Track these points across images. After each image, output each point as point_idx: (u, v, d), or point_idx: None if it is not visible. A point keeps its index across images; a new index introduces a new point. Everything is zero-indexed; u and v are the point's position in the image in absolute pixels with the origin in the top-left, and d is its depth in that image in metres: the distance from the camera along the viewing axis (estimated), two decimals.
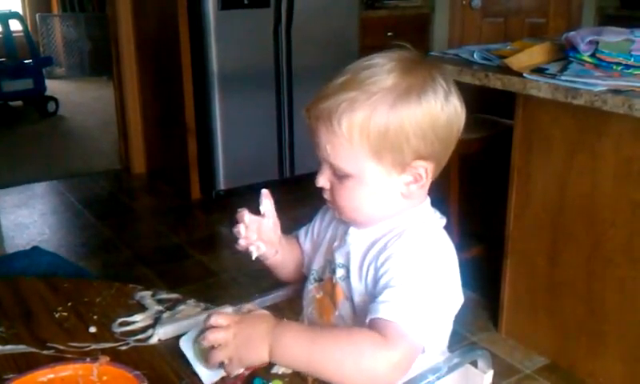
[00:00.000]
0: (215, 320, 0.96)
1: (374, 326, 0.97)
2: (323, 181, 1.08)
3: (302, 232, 1.29)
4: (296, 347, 0.96)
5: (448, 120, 1.04)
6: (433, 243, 1.06)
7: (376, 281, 1.03)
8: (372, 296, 1.03)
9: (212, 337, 0.95)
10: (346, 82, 1.03)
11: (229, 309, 1.18)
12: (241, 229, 1.17)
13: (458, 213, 2.71)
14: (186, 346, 1.04)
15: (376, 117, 1.00)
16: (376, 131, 1.00)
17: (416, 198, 1.08)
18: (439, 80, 1.04)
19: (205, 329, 0.97)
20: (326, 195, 1.10)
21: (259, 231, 1.18)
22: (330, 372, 0.95)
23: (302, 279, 1.26)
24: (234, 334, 0.96)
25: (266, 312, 1.00)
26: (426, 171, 1.05)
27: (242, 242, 1.17)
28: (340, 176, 1.05)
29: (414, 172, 1.04)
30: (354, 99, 1.00)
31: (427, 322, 0.98)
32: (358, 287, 1.08)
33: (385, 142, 1.01)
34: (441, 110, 1.03)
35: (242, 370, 0.98)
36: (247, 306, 1.02)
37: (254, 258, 1.17)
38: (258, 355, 0.96)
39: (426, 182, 1.06)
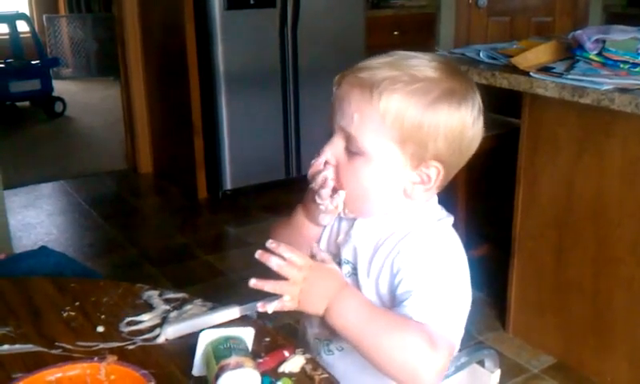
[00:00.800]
0: (291, 256, 0.95)
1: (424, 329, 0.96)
2: (329, 154, 1.05)
3: None
4: (352, 318, 0.96)
5: (473, 136, 1.05)
6: (447, 243, 1.06)
7: (393, 284, 1.03)
8: (388, 297, 1.03)
9: (286, 270, 0.94)
10: (391, 61, 1.02)
11: (235, 308, 1.19)
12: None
13: (465, 212, 2.71)
14: (203, 339, 1.03)
15: (415, 108, 0.99)
16: (411, 121, 0.99)
17: (416, 199, 1.06)
18: (477, 95, 1.05)
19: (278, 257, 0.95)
20: (329, 172, 1.05)
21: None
22: (376, 356, 0.96)
23: None
24: (303, 277, 0.95)
25: (337, 269, 0.99)
26: (437, 174, 1.04)
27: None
28: (352, 152, 1.03)
29: (424, 172, 1.03)
30: (396, 78, 0.99)
31: (459, 324, 1.00)
32: (367, 283, 1.07)
33: (415, 135, 1.00)
34: (472, 124, 1.03)
35: (292, 307, 0.96)
36: (323, 255, 1.01)
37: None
38: (315, 308, 0.96)
39: (432, 186, 1.05)
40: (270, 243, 0.95)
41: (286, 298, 0.96)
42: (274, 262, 0.95)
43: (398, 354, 0.94)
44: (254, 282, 0.94)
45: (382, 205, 1.06)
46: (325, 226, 1.15)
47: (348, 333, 0.97)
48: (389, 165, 1.03)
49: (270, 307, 0.95)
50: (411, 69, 1.01)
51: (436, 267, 1.01)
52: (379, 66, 1.01)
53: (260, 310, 0.97)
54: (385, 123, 1.00)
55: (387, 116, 0.99)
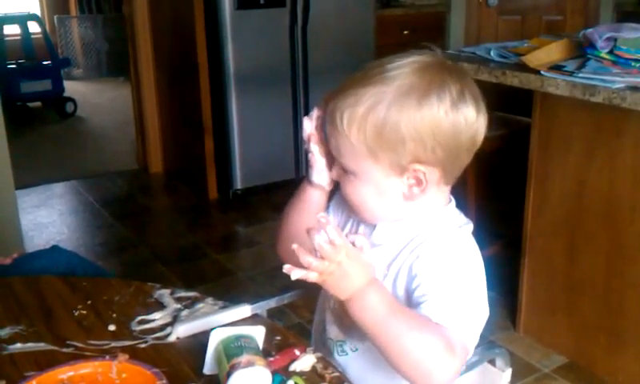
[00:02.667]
0: (334, 236, 0.91)
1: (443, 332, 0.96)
2: (335, 173, 1.11)
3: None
4: (371, 313, 0.95)
5: (454, 128, 1.00)
6: (466, 250, 1.05)
7: (410, 288, 1.02)
8: (405, 301, 1.03)
9: (325, 249, 0.91)
10: (356, 81, 1.03)
11: (247, 307, 1.19)
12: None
13: (476, 211, 2.70)
14: (214, 338, 1.03)
15: (374, 113, 0.99)
16: (372, 128, 0.99)
17: (418, 200, 1.05)
18: (449, 86, 1.00)
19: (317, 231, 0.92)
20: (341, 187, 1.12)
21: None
22: (392, 351, 0.95)
23: None
24: (339, 261, 0.92)
25: (370, 263, 0.97)
26: (425, 176, 1.02)
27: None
28: (345, 171, 1.07)
29: (414, 175, 1.03)
30: (359, 95, 1.00)
31: (475, 331, 1.00)
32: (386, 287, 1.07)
33: (380, 141, 1.00)
34: (445, 117, 0.99)
35: (317, 282, 0.94)
36: (361, 242, 0.97)
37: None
38: (338, 292, 0.95)
39: (426, 187, 1.03)
40: (320, 217, 0.92)
41: (312, 275, 0.93)
42: (317, 239, 0.91)
43: (415, 353, 0.94)
44: (287, 267, 0.93)
45: (384, 212, 1.08)
46: (328, 189, 1.16)
47: (366, 326, 0.96)
48: (374, 179, 1.04)
49: (295, 274, 0.93)
50: (373, 80, 1.00)
51: (454, 273, 1.00)
52: (344, 90, 1.03)
53: (285, 271, 0.93)
54: (352, 141, 1.02)
55: (351, 133, 1.01)
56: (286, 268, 0.92)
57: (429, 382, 0.94)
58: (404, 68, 1.01)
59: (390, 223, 1.09)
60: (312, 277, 0.93)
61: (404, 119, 0.98)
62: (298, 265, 0.92)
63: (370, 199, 1.06)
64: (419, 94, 0.99)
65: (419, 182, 1.03)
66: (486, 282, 1.05)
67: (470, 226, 1.09)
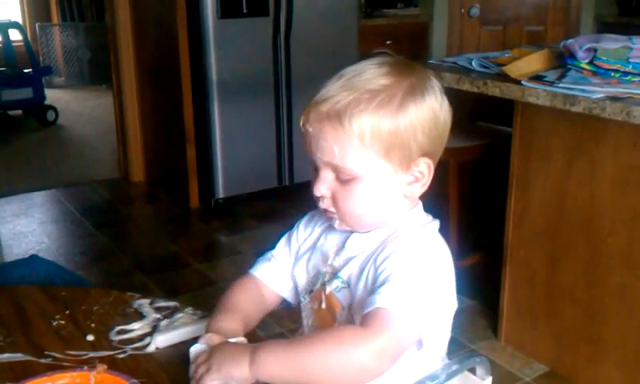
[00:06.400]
0: (194, 347, 1.01)
1: (362, 321, 0.97)
2: (323, 189, 1.06)
3: (280, 251, 1.23)
4: (279, 352, 0.96)
5: (445, 116, 1.07)
6: (429, 243, 1.07)
7: (374, 281, 1.03)
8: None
9: (196, 363, 0.98)
10: (344, 84, 1.03)
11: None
12: None
13: (457, 220, 2.71)
14: (193, 354, 1.03)
15: (386, 117, 1.01)
16: (387, 131, 1.01)
17: (417, 197, 1.09)
18: (433, 79, 1.08)
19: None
20: (325, 204, 1.07)
21: None
22: (318, 372, 0.94)
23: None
24: (210, 352, 0.99)
25: (237, 342, 1.04)
26: (429, 168, 1.06)
27: None
28: (344, 180, 1.04)
29: (416, 170, 1.06)
30: (358, 99, 1.01)
31: (419, 313, 0.98)
32: (360, 293, 1.06)
33: (396, 141, 1.02)
34: (440, 107, 1.06)
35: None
36: (211, 338, 1.04)
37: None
38: (238, 365, 0.95)
39: (427, 179, 1.07)
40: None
41: (203, 372, 0.97)
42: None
43: (336, 356, 0.93)
44: None
45: (385, 216, 1.08)
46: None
47: (283, 371, 0.95)
48: (381, 178, 1.04)
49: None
50: (366, 84, 1.02)
51: (410, 263, 1.01)
52: (336, 93, 1.02)
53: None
54: (364, 143, 1.01)
55: (364, 136, 1.01)
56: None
57: (359, 367, 0.93)
58: (390, 71, 1.04)
59: (364, 233, 1.09)
60: (206, 378, 0.96)
61: (414, 115, 1.03)
62: None
63: (371, 204, 1.05)
64: (421, 88, 1.04)
65: (418, 178, 1.06)
66: (452, 278, 1.07)
67: (436, 223, 1.11)
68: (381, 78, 1.03)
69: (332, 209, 1.07)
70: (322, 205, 1.08)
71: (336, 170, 1.04)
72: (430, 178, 1.08)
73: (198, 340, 1.06)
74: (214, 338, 1.04)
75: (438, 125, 1.06)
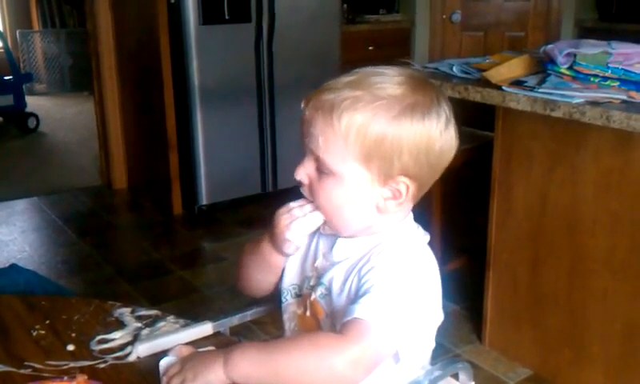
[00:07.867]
0: (164, 360, 1.01)
1: (340, 329, 0.97)
2: (303, 174, 1.06)
3: None
4: (253, 353, 0.96)
5: (442, 148, 1.03)
6: (415, 257, 1.06)
7: (357, 290, 1.02)
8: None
9: (167, 376, 0.99)
10: (354, 80, 1.02)
11: (208, 325, 1.17)
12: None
13: (441, 225, 2.72)
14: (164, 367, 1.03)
15: (376, 123, 0.99)
16: (373, 137, 0.99)
17: (391, 214, 1.06)
18: (444, 105, 1.04)
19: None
20: (304, 191, 1.08)
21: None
22: (292, 374, 0.94)
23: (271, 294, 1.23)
24: (181, 363, 0.99)
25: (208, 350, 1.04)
26: (407, 189, 1.04)
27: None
28: (322, 172, 1.04)
29: (394, 187, 1.03)
30: (358, 98, 1.00)
31: (398, 325, 0.97)
32: (340, 302, 1.06)
33: (378, 150, 1.00)
34: (439, 136, 1.02)
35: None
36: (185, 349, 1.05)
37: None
38: (213, 370, 0.95)
39: (404, 200, 1.05)
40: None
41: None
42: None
43: (312, 362, 0.93)
44: None
45: (356, 222, 1.06)
46: (289, 255, 1.15)
47: (258, 373, 0.95)
48: (357, 183, 1.03)
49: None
50: (374, 87, 1.01)
51: (393, 276, 1.00)
52: (342, 87, 1.02)
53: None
54: (347, 144, 1.00)
55: (349, 136, 1.00)
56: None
57: (333, 374, 0.93)
58: (405, 83, 1.02)
59: (349, 240, 1.08)
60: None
61: (406, 133, 1.00)
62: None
63: (344, 204, 1.04)
64: (423, 110, 1.01)
65: (395, 196, 1.04)
66: (440, 290, 1.06)
67: (427, 237, 1.10)
68: (390, 86, 1.01)
69: (310, 199, 1.08)
70: (302, 190, 1.09)
71: (317, 160, 1.04)
72: (407, 199, 1.05)
73: (167, 353, 1.06)
74: (184, 350, 1.04)
75: (430, 152, 1.02)
